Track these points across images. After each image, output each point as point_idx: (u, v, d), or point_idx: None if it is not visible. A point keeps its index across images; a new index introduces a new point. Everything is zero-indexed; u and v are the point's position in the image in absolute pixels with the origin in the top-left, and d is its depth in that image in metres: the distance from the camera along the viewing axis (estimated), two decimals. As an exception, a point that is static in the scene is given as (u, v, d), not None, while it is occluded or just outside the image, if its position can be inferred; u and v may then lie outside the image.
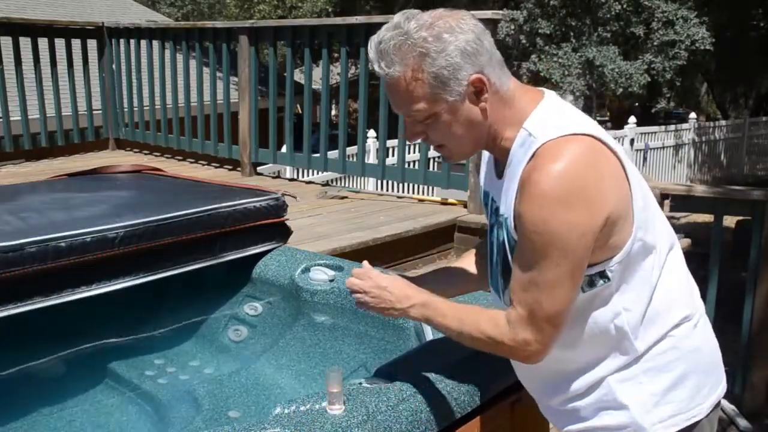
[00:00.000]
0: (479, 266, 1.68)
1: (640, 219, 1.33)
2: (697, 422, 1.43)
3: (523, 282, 1.32)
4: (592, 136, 1.29)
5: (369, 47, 1.34)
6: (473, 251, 1.74)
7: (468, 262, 1.72)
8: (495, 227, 1.45)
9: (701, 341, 1.45)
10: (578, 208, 1.25)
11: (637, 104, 18.93)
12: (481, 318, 1.40)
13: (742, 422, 3.75)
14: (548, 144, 1.27)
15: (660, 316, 1.39)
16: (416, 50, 1.29)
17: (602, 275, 1.33)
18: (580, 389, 1.43)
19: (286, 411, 1.53)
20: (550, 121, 1.32)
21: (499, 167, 1.42)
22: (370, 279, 1.50)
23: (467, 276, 1.70)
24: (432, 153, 8.84)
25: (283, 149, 5.56)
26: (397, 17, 1.33)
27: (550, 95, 1.39)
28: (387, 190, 7.32)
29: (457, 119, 1.34)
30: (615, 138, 1.46)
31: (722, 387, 1.49)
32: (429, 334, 2.01)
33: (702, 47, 11.76)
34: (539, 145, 1.28)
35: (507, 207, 1.36)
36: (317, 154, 5.37)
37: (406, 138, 1.42)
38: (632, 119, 12.56)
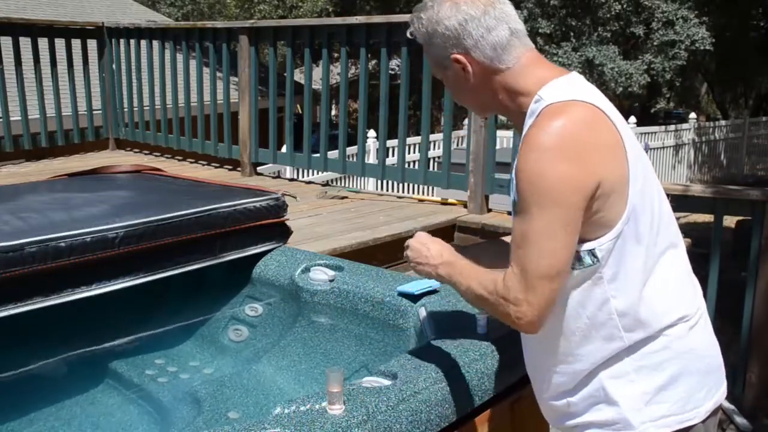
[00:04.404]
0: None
1: (635, 202, 1.32)
2: (692, 426, 1.40)
3: (516, 237, 1.32)
4: (599, 108, 1.32)
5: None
6: None
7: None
8: None
9: (697, 343, 1.43)
10: (572, 162, 1.27)
11: (637, 104, 18.92)
12: (487, 277, 1.39)
13: (741, 421, 3.75)
14: (552, 105, 1.32)
15: (653, 312, 1.37)
16: (429, 28, 1.45)
17: (592, 253, 1.32)
18: (572, 383, 1.43)
19: (286, 411, 1.53)
20: (560, 88, 1.36)
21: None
22: (416, 238, 1.62)
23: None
24: (432, 153, 8.88)
25: (283, 149, 5.56)
26: None
27: (575, 73, 1.44)
28: (387, 190, 7.31)
29: (458, 87, 1.49)
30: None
31: (722, 392, 1.47)
32: (429, 334, 2.00)
33: (702, 47, 11.78)
34: (544, 106, 1.33)
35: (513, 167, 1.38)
36: (317, 154, 5.36)
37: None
38: (632, 119, 12.54)
